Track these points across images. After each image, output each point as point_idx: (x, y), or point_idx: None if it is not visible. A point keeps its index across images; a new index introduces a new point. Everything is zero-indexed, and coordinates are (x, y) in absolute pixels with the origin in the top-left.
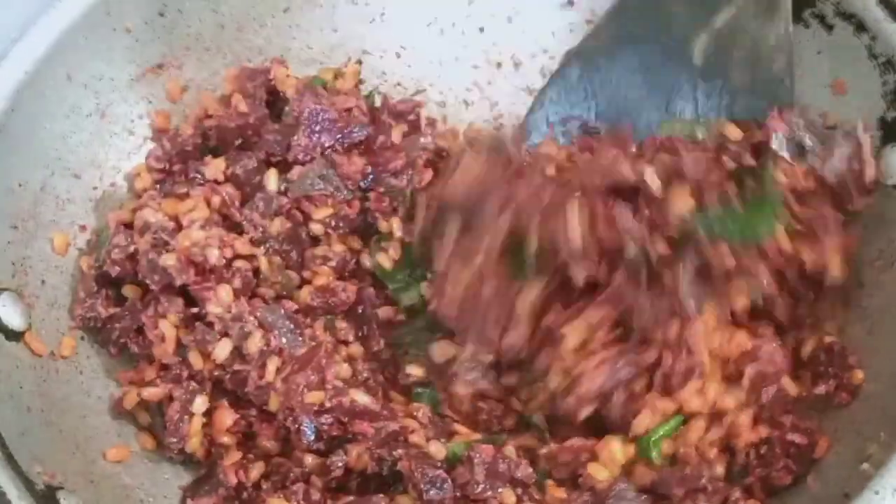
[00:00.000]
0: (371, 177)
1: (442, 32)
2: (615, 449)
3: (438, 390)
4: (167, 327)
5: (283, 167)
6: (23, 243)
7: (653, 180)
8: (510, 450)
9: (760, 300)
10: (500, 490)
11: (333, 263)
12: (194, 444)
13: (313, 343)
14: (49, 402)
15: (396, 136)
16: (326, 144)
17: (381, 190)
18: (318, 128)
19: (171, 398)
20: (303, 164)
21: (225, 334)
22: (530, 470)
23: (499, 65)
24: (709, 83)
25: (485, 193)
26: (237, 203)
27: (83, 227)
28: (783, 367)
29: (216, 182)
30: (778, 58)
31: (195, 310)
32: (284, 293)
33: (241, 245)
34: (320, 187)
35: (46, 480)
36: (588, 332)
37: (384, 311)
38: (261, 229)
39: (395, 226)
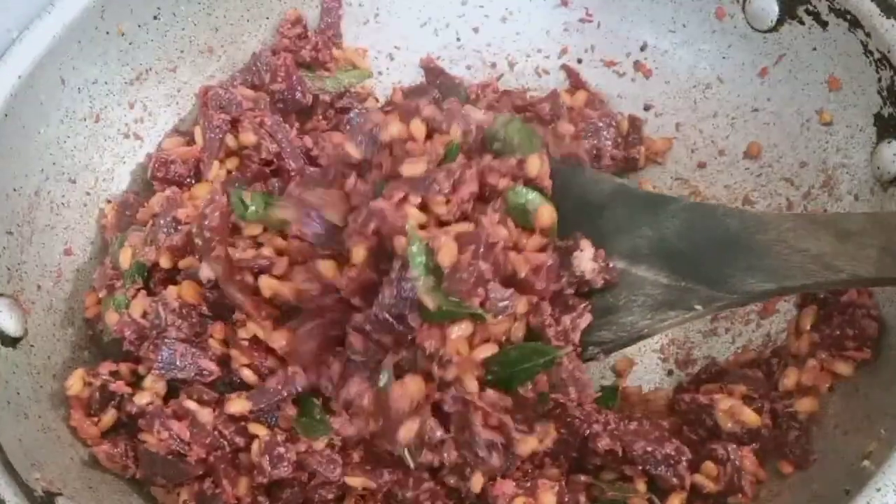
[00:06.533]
0: None
1: (436, 33)
2: None
3: None
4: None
5: None
6: (18, 248)
7: None
8: None
9: None
10: None
11: None
12: None
13: None
14: (46, 408)
15: None
16: None
17: None
18: None
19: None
20: None
21: None
22: None
23: (493, 65)
24: None
25: None
26: None
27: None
28: None
29: None
30: None
31: None
32: None
33: None
34: None
35: (45, 487)
36: None
37: None
38: None
39: None
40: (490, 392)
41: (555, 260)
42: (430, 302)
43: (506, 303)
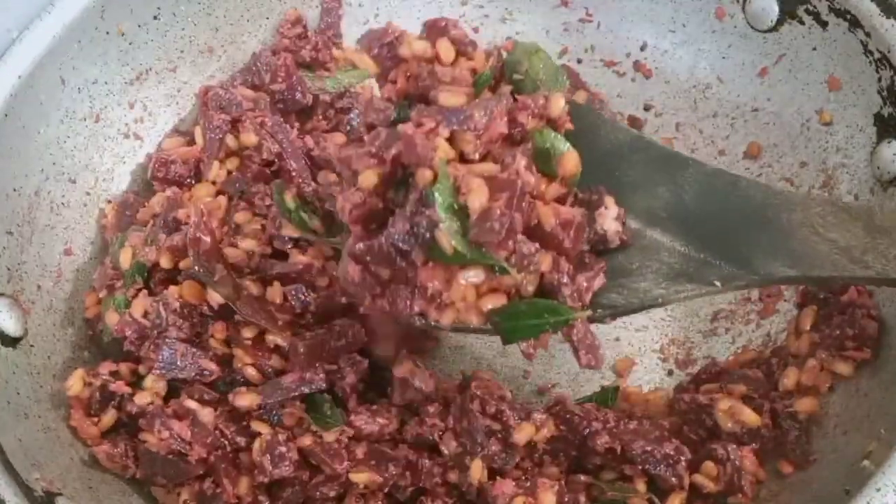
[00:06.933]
0: None
1: None
2: None
3: None
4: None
5: None
6: (18, 248)
7: None
8: None
9: None
10: None
11: None
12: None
13: None
14: (46, 408)
15: None
16: None
17: None
18: None
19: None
20: None
21: None
22: None
23: None
24: None
25: None
26: None
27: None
28: None
29: None
30: None
31: None
32: None
33: None
34: None
35: (45, 487)
36: None
37: None
38: None
39: None
40: (489, 381)
41: (583, 216)
42: (447, 246)
43: (532, 258)
